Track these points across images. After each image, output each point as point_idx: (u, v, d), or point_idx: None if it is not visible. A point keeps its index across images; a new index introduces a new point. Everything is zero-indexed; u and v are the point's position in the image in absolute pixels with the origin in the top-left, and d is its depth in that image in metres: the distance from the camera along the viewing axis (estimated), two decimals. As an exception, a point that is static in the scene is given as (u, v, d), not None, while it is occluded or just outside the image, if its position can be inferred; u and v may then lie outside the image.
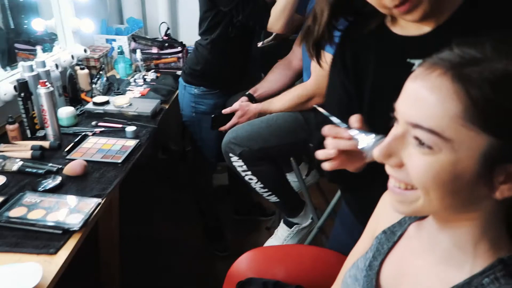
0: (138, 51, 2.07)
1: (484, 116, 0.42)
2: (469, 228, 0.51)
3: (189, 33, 2.39)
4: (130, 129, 1.46)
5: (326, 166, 0.70)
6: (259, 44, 2.35)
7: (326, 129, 0.68)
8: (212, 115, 1.55)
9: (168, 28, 2.23)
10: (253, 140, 1.42)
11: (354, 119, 0.66)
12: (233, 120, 1.54)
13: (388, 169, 0.52)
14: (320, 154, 0.69)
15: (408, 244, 0.63)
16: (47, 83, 1.33)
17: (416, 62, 0.72)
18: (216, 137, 1.71)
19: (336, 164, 0.69)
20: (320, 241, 1.63)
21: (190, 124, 1.80)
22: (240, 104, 1.53)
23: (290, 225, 1.58)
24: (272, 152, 1.44)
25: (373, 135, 0.61)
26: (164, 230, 2.05)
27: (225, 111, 1.55)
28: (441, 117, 0.44)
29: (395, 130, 0.50)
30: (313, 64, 1.37)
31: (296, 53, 1.63)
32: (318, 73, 1.35)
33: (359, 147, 0.62)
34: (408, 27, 0.74)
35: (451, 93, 0.44)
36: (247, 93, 1.60)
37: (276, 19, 1.47)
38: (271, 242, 1.62)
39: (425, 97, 0.46)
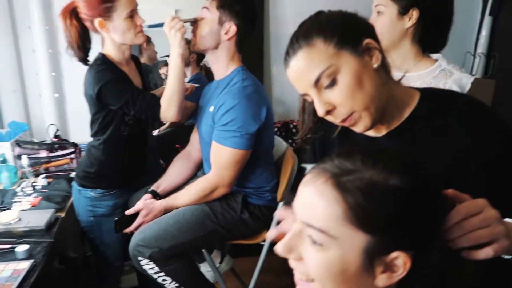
0: (24, 157, 1.94)
1: (358, 217, 0.52)
2: None
3: (81, 132, 2.33)
4: (21, 248, 1.32)
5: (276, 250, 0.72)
6: (155, 133, 2.39)
7: (277, 213, 0.72)
8: (115, 218, 1.49)
9: (57, 129, 2.15)
10: (162, 239, 1.40)
11: None
12: (138, 220, 1.50)
13: (291, 263, 0.59)
14: (268, 235, 0.71)
15: None
16: None
17: (308, 167, 0.82)
18: (119, 239, 1.63)
19: None
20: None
21: (89, 229, 1.69)
22: (144, 203, 1.51)
23: (210, 319, 1.53)
24: (183, 248, 1.43)
25: None
26: None
27: (129, 212, 1.51)
28: (326, 218, 0.53)
29: (294, 227, 0.57)
30: (213, 156, 1.46)
31: (194, 144, 1.70)
32: (219, 165, 1.43)
33: None
34: None
35: (332, 198, 0.53)
36: (150, 189, 1.59)
37: (167, 108, 1.48)
38: None
39: (313, 201, 0.54)
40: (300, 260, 0.56)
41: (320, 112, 0.78)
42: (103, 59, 1.53)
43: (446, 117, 0.80)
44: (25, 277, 1.21)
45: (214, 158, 1.44)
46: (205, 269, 1.73)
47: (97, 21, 1.46)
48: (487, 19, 2.59)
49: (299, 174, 0.94)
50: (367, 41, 0.76)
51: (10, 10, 2.22)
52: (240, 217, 1.49)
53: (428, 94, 0.85)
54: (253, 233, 1.58)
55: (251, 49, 1.54)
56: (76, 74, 2.39)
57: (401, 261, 0.53)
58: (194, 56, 2.45)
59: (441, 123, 0.80)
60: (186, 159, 1.70)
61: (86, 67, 2.34)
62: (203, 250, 1.60)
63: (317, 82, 0.76)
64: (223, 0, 1.39)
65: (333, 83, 0.75)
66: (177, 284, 1.43)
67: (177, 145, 2.32)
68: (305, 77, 0.76)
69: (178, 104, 1.49)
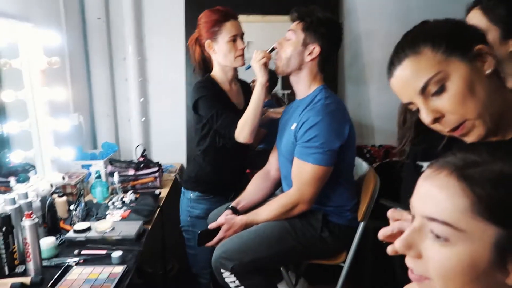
0: (115, 174, 2.11)
1: (489, 209, 0.49)
2: None
3: (163, 153, 2.50)
4: (116, 254, 1.42)
5: (389, 250, 0.71)
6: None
7: (390, 212, 0.71)
8: (199, 232, 1.56)
9: (144, 150, 2.32)
10: (243, 252, 1.42)
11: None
12: (220, 234, 1.54)
13: (409, 261, 0.56)
14: (380, 233, 0.70)
15: None
16: (32, 215, 1.31)
17: (424, 164, 0.80)
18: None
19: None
20: None
21: (186, 229, 1.86)
22: (226, 218, 1.56)
23: None
24: (263, 263, 1.44)
25: None
26: None
27: (211, 226, 1.56)
28: (452, 211, 0.51)
29: (413, 224, 0.56)
30: (294, 172, 1.48)
31: (273, 164, 1.74)
32: (301, 181, 1.44)
33: None
34: None
35: (458, 190, 0.51)
36: (230, 206, 1.65)
37: (241, 130, 1.60)
38: None
39: (436, 194, 0.53)
40: (419, 258, 0.54)
41: (427, 120, 0.76)
42: (207, 77, 1.76)
43: None
44: (120, 280, 1.29)
45: (296, 175, 1.46)
46: (281, 290, 1.72)
47: (207, 43, 1.71)
48: None
49: (414, 172, 0.89)
50: (478, 46, 0.74)
51: (109, 44, 2.50)
52: (320, 235, 1.48)
53: None
54: (333, 254, 1.55)
55: (325, 74, 1.58)
56: (161, 101, 2.62)
57: None
58: (267, 84, 2.54)
59: None
60: (264, 178, 1.74)
61: (170, 94, 2.56)
62: (282, 269, 1.59)
63: (424, 89, 0.74)
64: (309, 22, 1.45)
65: (441, 90, 0.73)
66: (256, 300, 1.43)
67: (247, 170, 2.40)
68: (411, 85, 0.75)
69: (251, 127, 1.60)
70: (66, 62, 2.15)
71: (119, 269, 1.35)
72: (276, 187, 1.75)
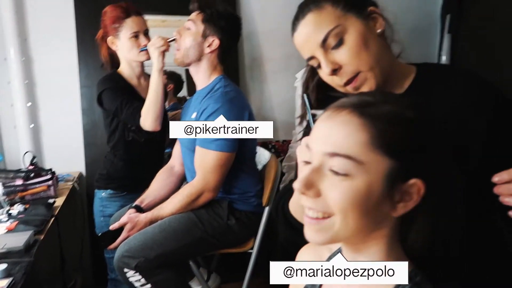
0: (-1, 185, 1.87)
1: (385, 143, 0.54)
2: (377, 249, 0.59)
3: (56, 162, 2.29)
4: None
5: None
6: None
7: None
8: (99, 233, 1.45)
9: (34, 157, 2.10)
10: (148, 248, 1.36)
11: None
12: (123, 234, 1.46)
13: (307, 201, 0.58)
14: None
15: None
16: None
17: (318, 112, 0.85)
18: None
19: None
20: None
21: (100, 232, 1.70)
22: (129, 217, 1.48)
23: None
24: (170, 258, 1.39)
25: None
26: None
27: (113, 226, 1.47)
28: (353, 144, 0.55)
29: (312, 165, 0.58)
30: (197, 161, 1.46)
31: (177, 158, 1.71)
32: (204, 170, 1.43)
33: None
34: None
35: (359, 125, 0.55)
36: (134, 204, 1.57)
37: (145, 117, 1.58)
38: None
39: (338, 131, 0.56)
40: (318, 196, 0.57)
41: (326, 70, 0.81)
42: (113, 72, 1.73)
43: (443, 88, 0.85)
44: (4, 294, 1.14)
45: (199, 163, 1.44)
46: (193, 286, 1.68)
47: (109, 39, 1.68)
48: (447, 38, 2.73)
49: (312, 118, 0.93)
50: (371, 8, 0.83)
51: (-15, 43, 2.22)
52: (227, 223, 1.48)
53: (424, 67, 0.91)
54: (241, 241, 1.56)
55: (226, 70, 1.60)
56: (52, 105, 2.41)
57: (416, 188, 0.55)
58: (171, 86, 2.50)
59: (438, 93, 0.84)
60: (169, 173, 1.70)
61: (62, 98, 2.38)
62: (191, 264, 1.55)
63: (324, 42, 0.81)
64: (209, 14, 1.46)
65: (340, 43, 0.80)
66: (165, 297, 1.37)
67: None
68: (313, 38, 0.81)
69: (154, 114, 1.57)
70: None
71: (4, 283, 1.19)
72: (181, 182, 1.72)
